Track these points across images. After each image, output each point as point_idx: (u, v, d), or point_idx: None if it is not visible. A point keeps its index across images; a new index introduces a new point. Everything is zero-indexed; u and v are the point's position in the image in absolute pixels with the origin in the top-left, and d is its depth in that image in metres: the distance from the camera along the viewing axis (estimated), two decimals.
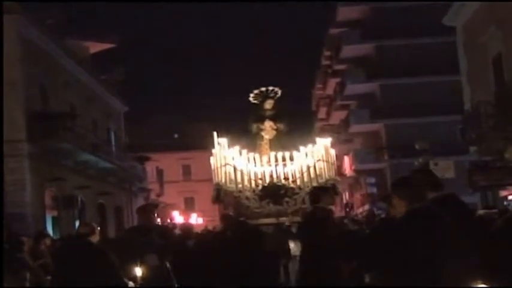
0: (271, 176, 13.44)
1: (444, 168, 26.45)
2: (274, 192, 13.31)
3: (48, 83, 29.23)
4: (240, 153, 13.63)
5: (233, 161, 13.46)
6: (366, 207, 44.75)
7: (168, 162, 65.47)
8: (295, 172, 13.57)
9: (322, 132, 47.37)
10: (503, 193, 24.37)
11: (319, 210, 9.40)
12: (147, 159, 46.21)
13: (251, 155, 13.78)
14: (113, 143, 39.68)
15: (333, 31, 52.15)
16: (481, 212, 12.34)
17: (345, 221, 13.50)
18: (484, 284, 5.44)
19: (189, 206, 64.94)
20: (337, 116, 56.70)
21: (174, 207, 50.56)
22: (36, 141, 26.16)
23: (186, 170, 70.21)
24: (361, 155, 49.16)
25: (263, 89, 14.78)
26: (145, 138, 57.35)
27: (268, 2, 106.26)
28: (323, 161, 13.57)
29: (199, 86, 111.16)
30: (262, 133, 14.53)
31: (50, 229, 26.25)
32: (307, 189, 13.20)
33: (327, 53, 58.16)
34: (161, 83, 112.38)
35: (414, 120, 43.60)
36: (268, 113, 14.68)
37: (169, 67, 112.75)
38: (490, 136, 23.55)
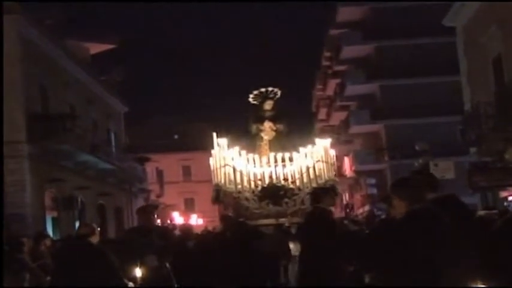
0: (270, 176, 13.43)
1: (444, 169, 26.40)
2: (273, 193, 13.31)
3: (48, 84, 29.22)
4: (240, 154, 13.62)
5: (232, 162, 13.46)
6: (366, 208, 44.76)
7: (168, 163, 65.49)
8: (294, 173, 13.56)
9: (322, 133, 47.41)
10: (503, 194, 24.36)
11: (319, 211, 9.40)
12: (147, 160, 46.19)
13: (250, 155, 13.77)
14: (113, 143, 39.66)
15: (333, 32, 52.15)
16: (481, 212, 12.34)
17: (345, 221, 13.47)
18: (484, 284, 5.44)
19: (189, 206, 64.92)
20: (337, 117, 56.71)
21: (174, 208, 50.55)
22: (36, 142, 26.15)
23: (186, 171, 70.21)
24: (361, 156, 49.16)
25: (263, 89, 14.77)
26: (145, 138, 57.35)
27: (268, 2, 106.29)
28: (322, 161, 13.57)
29: (199, 86, 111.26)
30: (262, 134, 14.52)
31: (49, 230, 26.25)
32: (306, 190, 13.20)
33: (327, 54, 58.15)
34: (161, 84, 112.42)
35: (414, 121, 43.63)
36: (267, 114, 14.67)
37: (169, 67, 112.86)
38: (490, 137, 23.55)
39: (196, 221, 48.55)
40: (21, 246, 12.03)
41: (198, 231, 18.83)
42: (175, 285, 10.71)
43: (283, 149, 13.97)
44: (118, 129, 42.04)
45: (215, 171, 13.60)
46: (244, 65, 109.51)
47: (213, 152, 13.73)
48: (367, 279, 8.26)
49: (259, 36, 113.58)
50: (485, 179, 22.66)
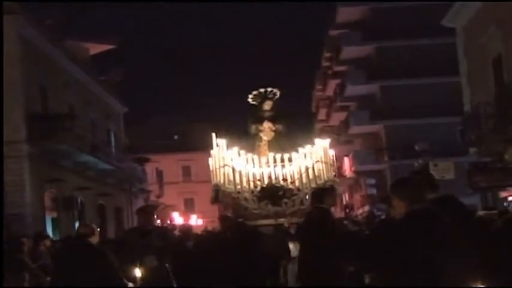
0: (269, 177, 13.43)
1: (444, 169, 26.45)
2: (272, 193, 13.31)
3: (48, 84, 29.21)
4: (239, 154, 13.62)
5: (232, 162, 13.45)
6: (366, 208, 44.75)
7: (168, 163, 65.51)
8: (293, 173, 13.56)
9: (322, 133, 47.36)
10: (503, 194, 24.36)
11: (320, 211, 9.40)
12: (147, 160, 46.19)
13: (250, 156, 13.77)
14: (113, 144, 39.66)
15: (333, 32, 52.16)
16: (480, 213, 12.33)
17: (345, 222, 13.48)
18: (484, 284, 5.44)
19: (188, 207, 64.92)
20: (337, 117, 56.72)
21: (173, 208, 50.56)
22: (36, 142, 26.13)
23: (186, 171, 70.21)
24: (361, 156, 49.18)
25: (262, 90, 14.76)
26: (145, 139, 57.31)
27: (268, 2, 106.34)
28: (322, 162, 13.56)
29: (199, 86, 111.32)
30: (261, 134, 14.51)
31: (49, 230, 26.24)
32: (305, 191, 13.21)
33: (327, 54, 58.16)
34: (161, 84, 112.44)
35: (414, 122, 43.66)
36: (267, 114, 14.67)
37: (169, 67, 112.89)
38: (489, 137, 23.55)
39: (196, 221, 48.53)
40: (21, 247, 12.04)
41: (198, 231, 18.84)
42: (175, 286, 10.71)
43: (283, 149, 13.96)
44: (117, 129, 42.04)
45: (214, 171, 13.60)
46: (244, 65, 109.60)
47: (212, 152, 13.72)
48: (367, 280, 8.27)
49: (259, 36, 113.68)
50: (485, 179, 22.66)
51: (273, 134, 14.52)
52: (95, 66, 38.57)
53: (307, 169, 13.43)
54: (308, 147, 13.82)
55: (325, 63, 60.12)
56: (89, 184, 32.22)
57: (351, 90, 49.72)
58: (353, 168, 49.74)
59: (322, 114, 65.24)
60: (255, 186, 13.42)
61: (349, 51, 49.40)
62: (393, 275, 5.59)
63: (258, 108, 14.79)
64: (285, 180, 13.47)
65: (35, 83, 27.57)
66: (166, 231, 13.22)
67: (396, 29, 45.04)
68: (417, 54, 44.79)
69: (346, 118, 52.38)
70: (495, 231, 6.12)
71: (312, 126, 67.27)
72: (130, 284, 8.85)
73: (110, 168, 34.98)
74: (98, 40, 39.52)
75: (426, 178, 6.65)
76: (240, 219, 12.45)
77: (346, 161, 51.06)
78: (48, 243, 13.88)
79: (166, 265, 10.58)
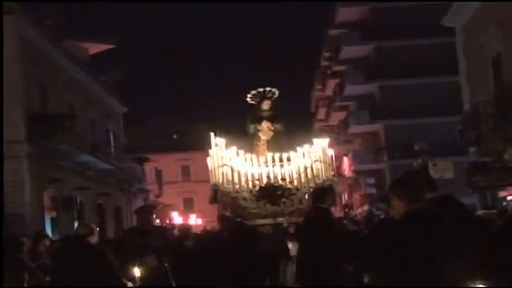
0: (268, 176, 13.41)
1: (443, 169, 26.44)
2: (271, 193, 13.29)
3: (48, 84, 29.22)
4: (238, 154, 13.61)
5: (230, 162, 13.44)
6: (365, 207, 44.78)
7: (167, 163, 65.52)
8: (292, 173, 13.54)
9: (322, 133, 47.32)
10: (502, 193, 24.37)
11: (320, 210, 9.41)
12: (146, 160, 46.19)
13: (248, 155, 13.76)
14: (112, 143, 39.67)
15: (332, 32, 52.21)
16: (480, 212, 12.35)
17: (344, 221, 13.47)
18: (484, 284, 5.44)
19: (188, 206, 64.90)
20: (337, 117, 56.75)
21: (173, 208, 50.54)
22: (35, 142, 26.14)
23: (185, 171, 70.20)
24: (361, 156, 49.19)
25: (260, 89, 14.74)
26: (144, 139, 57.29)
27: (268, 2, 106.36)
28: (320, 161, 13.55)
29: (198, 86, 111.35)
30: (260, 134, 14.50)
31: (48, 230, 26.24)
32: (304, 190, 13.20)
33: (326, 54, 58.17)
34: (160, 84, 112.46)
35: (413, 121, 43.67)
36: (265, 114, 14.64)
37: (168, 67, 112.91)
38: (489, 137, 23.56)
39: (195, 220, 48.52)
40: (21, 246, 12.05)
41: (197, 231, 18.84)
42: (174, 285, 10.72)
43: (281, 149, 13.95)
44: (117, 129, 42.04)
45: (213, 171, 13.58)
46: (244, 65, 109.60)
47: (210, 151, 13.71)
48: (366, 279, 8.27)
49: (259, 36, 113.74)
50: (484, 179, 22.67)
51: (271, 133, 14.50)
52: (94, 66, 38.56)
53: (305, 169, 13.41)
54: (307, 146, 13.81)
55: (324, 63, 60.14)
56: (88, 184, 32.22)
57: (350, 89, 49.74)
58: (352, 168, 49.76)
59: (321, 113, 65.26)
60: (254, 186, 13.40)
61: (349, 51, 49.42)
62: (393, 275, 5.59)
63: (256, 107, 14.78)
64: (283, 179, 13.45)
65: (34, 83, 27.58)
66: (166, 230, 13.23)
67: (395, 29, 45.06)
68: (416, 53, 44.80)
69: (345, 118, 52.41)
70: (494, 230, 6.12)
71: (311, 126, 67.28)
72: (130, 284, 8.86)
73: (109, 168, 34.98)
74: (97, 40, 39.52)
75: (425, 177, 6.66)
76: (239, 219, 12.45)
77: (346, 161, 51.08)
78: (47, 243, 13.88)
79: (166, 265, 10.59)
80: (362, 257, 7.31)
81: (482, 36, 25.61)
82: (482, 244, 5.89)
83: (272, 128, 14.49)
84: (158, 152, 60.54)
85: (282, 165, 13.56)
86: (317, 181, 13.18)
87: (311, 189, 12.59)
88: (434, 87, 43.39)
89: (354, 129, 49.69)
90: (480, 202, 25.43)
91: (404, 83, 45.17)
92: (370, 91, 48.59)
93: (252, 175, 13.47)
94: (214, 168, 13.51)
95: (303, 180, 13.40)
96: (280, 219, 13.10)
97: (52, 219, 28.69)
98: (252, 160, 13.66)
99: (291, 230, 12.01)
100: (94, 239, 8.67)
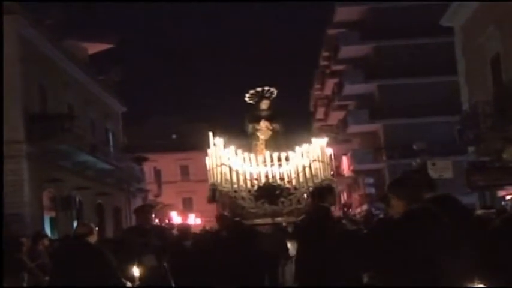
0: (266, 176, 13.41)
1: (442, 169, 26.44)
2: (269, 192, 13.28)
3: (47, 84, 29.22)
4: (236, 153, 13.61)
5: (229, 161, 13.44)
6: (364, 207, 44.77)
7: (166, 163, 65.53)
8: (290, 172, 13.54)
9: (320, 132, 47.34)
10: (501, 193, 24.38)
11: (320, 209, 9.42)
12: (145, 159, 46.20)
13: (247, 155, 13.76)
14: (111, 143, 39.67)
15: (331, 31, 52.20)
16: (479, 212, 12.34)
17: (343, 221, 13.47)
18: (483, 284, 5.44)
19: (187, 206, 64.83)
20: (335, 117, 56.75)
21: (172, 207, 50.46)
22: (35, 142, 26.14)
23: (184, 171, 70.19)
24: (360, 156, 49.20)
25: (259, 89, 14.73)
26: (143, 138, 57.30)
27: (267, 2, 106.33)
28: (318, 161, 13.54)
29: (198, 86, 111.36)
30: (258, 133, 14.50)
31: (48, 230, 26.23)
32: (302, 190, 13.20)
33: (325, 54, 58.17)
34: (159, 83, 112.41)
35: (412, 121, 43.67)
36: (264, 113, 14.64)
37: (168, 67, 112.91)
38: (488, 136, 23.58)
39: (194, 220, 48.51)
40: (20, 246, 12.05)
41: (197, 230, 18.83)
42: (173, 285, 10.72)
43: (280, 148, 13.94)
44: (116, 129, 42.04)
45: (211, 170, 13.58)
46: (244, 65, 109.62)
47: (209, 151, 13.71)
48: (365, 279, 8.27)
49: (259, 36, 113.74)
50: (484, 179, 22.68)
51: (270, 133, 14.49)
52: (94, 66, 38.55)
53: (304, 168, 13.41)
54: (305, 146, 13.81)
55: (323, 63, 60.14)
56: (87, 184, 32.23)
57: (349, 89, 49.74)
58: (351, 167, 49.77)
59: (320, 113, 65.27)
60: (252, 185, 13.40)
61: (347, 51, 49.43)
62: (392, 275, 5.59)
63: (255, 107, 14.78)
64: (282, 179, 13.45)
65: (34, 83, 27.59)
66: (165, 230, 13.23)
67: (394, 29, 45.06)
68: (415, 53, 44.83)
69: (344, 117, 52.41)
70: (493, 230, 6.12)
71: (310, 125, 67.29)
72: (129, 284, 8.85)
73: (108, 168, 34.98)
74: (96, 40, 39.52)
75: (424, 177, 6.66)
76: (237, 218, 12.45)
77: (345, 160, 51.09)
78: (46, 242, 13.87)
79: (165, 264, 10.60)
80: (361, 256, 7.31)
81: (481, 36, 25.62)
82: (481, 244, 5.90)
83: (270, 128, 14.48)
84: (157, 152, 60.55)
85: (280, 165, 13.56)
86: (315, 181, 13.17)
87: (310, 189, 12.59)
88: (434, 87, 43.40)
89: (353, 128, 49.68)
90: (479, 202, 25.44)
91: (403, 83, 45.18)
92: (369, 91, 48.61)
93: (251, 174, 13.47)
94: (213, 168, 13.51)
95: (301, 179, 13.40)
96: (278, 219, 13.10)
97: (51, 219, 28.70)
98: (250, 159, 13.66)
99: (290, 229, 12.01)
100: (93, 239, 8.68)
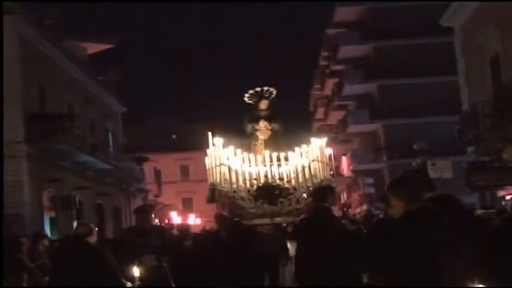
0: (266, 176, 13.40)
1: (442, 169, 26.44)
2: (268, 192, 13.27)
3: (47, 84, 29.23)
4: (235, 153, 13.60)
5: (228, 161, 13.43)
6: (364, 207, 44.76)
7: (166, 163, 65.53)
8: (289, 172, 13.54)
9: (320, 132, 47.38)
10: (501, 193, 24.39)
11: (320, 209, 9.42)
12: (145, 160, 46.19)
13: (246, 155, 13.76)
14: (111, 143, 39.66)
15: (331, 31, 52.20)
16: (479, 212, 12.34)
17: (343, 221, 13.47)
18: (483, 284, 5.44)
19: (187, 206, 64.81)
20: (335, 116, 56.73)
21: (172, 207, 50.46)
22: (34, 143, 26.14)
23: (184, 171, 70.18)
24: (359, 155, 49.18)
25: (258, 89, 14.74)
26: (143, 138, 57.28)
27: (267, 2, 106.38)
28: (318, 161, 13.54)
29: (198, 86, 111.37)
30: (257, 133, 14.49)
31: (47, 230, 26.23)
32: (301, 190, 13.20)
33: (325, 54, 58.17)
34: (159, 83, 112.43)
35: (412, 121, 43.67)
36: (263, 113, 14.63)
37: (168, 67, 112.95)
38: (487, 136, 23.59)
39: (194, 220, 48.50)
40: (20, 246, 12.05)
41: (196, 230, 18.82)
42: (173, 285, 10.72)
43: (279, 148, 13.94)
44: (116, 129, 42.04)
45: (210, 170, 13.57)
46: (244, 65, 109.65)
47: (208, 151, 13.71)
48: (365, 279, 8.27)
49: (259, 36, 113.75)
50: (483, 179, 22.68)
51: (269, 133, 14.49)
52: (93, 66, 38.55)
53: (303, 168, 13.40)
54: (304, 146, 13.80)
55: (323, 63, 60.14)
56: (87, 184, 32.23)
57: (349, 89, 49.73)
58: (351, 167, 49.76)
59: (320, 113, 65.26)
60: (251, 185, 13.39)
61: (347, 51, 49.42)
62: (392, 275, 5.59)
63: (254, 107, 14.78)
64: (281, 179, 13.45)
65: (34, 83, 27.59)
66: (165, 230, 13.22)
67: (394, 29, 45.06)
68: (415, 53, 44.83)
69: (344, 117, 52.40)
70: (493, 230, 6.12)
71: (310, 125, 67.29)
72: (129, 284, 8.85)
73: (108, 168, 34.99)
74: (96, 39, 39.51)
75: (424, 177, 6.67)
76: (237, 219, 12.45)
77: (344, 160, 51.08)
78: (46, 242, 13.87)
79: (165, 264, 10.59)
80: (361, 256, 7.31)
81: (481, 36, 25.63)
82: (481, 244, 5.89)
83: (270, 128, 14.48)
84: (157, 152, 60.55)
85: (279, 165, 13.55)
86: (314, 181, 13.17)
87: (309, 189, 12.60)
88: (433, 87, 43.39)
89: (353, 128, 49.67)
90: (479, 202, 25.44)
91: (403, 83, 45.17)
92: (368, 90, 48.59)
93: (250, 174, 13.46)
94: (212, 168, 13.51)
95: (300, 179, 13.39)
96: (277, 219, 13.10)
97: (51, 219, 28.70)
98: (249, 159, 13.66)
99: (289, 229, 12.01)
100: (93, 239, 8.68)
